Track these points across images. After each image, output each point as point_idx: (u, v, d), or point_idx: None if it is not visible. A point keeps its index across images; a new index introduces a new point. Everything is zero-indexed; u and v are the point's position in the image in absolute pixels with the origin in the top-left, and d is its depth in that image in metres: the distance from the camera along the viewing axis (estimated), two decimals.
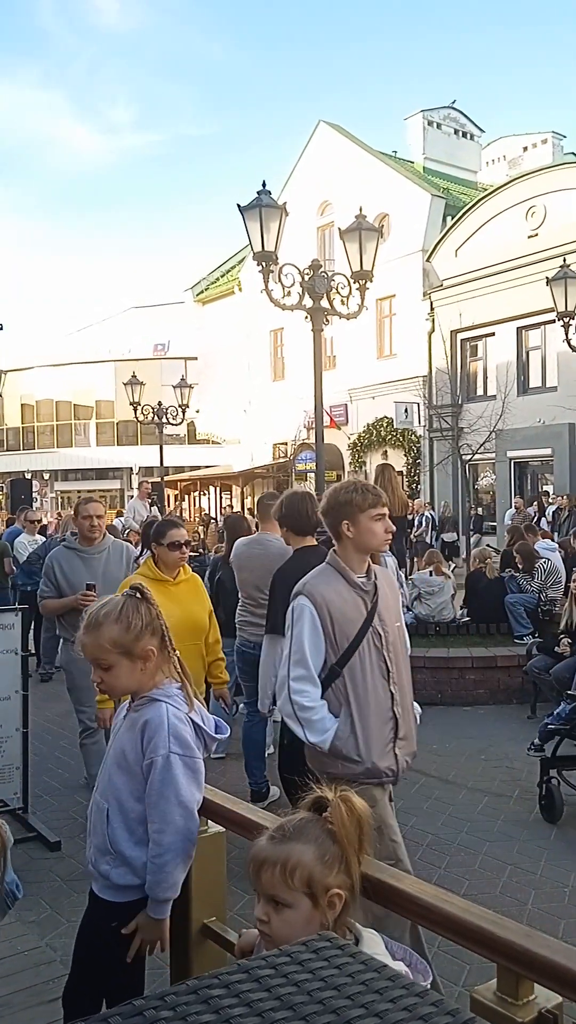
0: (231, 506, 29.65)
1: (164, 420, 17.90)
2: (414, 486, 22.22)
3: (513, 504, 18.76)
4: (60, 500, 38.34)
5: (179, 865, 2.01)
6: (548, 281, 11.28)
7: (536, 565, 8.66)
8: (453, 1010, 0.62)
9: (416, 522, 18.03)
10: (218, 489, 32.25)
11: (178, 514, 25.83)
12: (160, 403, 18.10)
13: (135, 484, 29.25)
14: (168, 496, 27.11)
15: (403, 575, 8.47)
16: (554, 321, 12.28)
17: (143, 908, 2.07)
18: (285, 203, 8.24)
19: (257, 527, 6.00)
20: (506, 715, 7.28)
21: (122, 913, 2.07)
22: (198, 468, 32.10)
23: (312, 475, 18.24)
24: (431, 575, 8.82)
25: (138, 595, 2.14)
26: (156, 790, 2.02)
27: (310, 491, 5.55)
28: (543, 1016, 1.34)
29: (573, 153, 25.68)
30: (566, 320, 10.99)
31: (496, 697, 7.68)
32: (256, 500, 6.36)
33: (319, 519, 3.88)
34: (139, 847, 2.06)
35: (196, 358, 32.76)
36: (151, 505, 14.93)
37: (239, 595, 5.57)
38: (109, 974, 2.10)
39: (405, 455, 23.12)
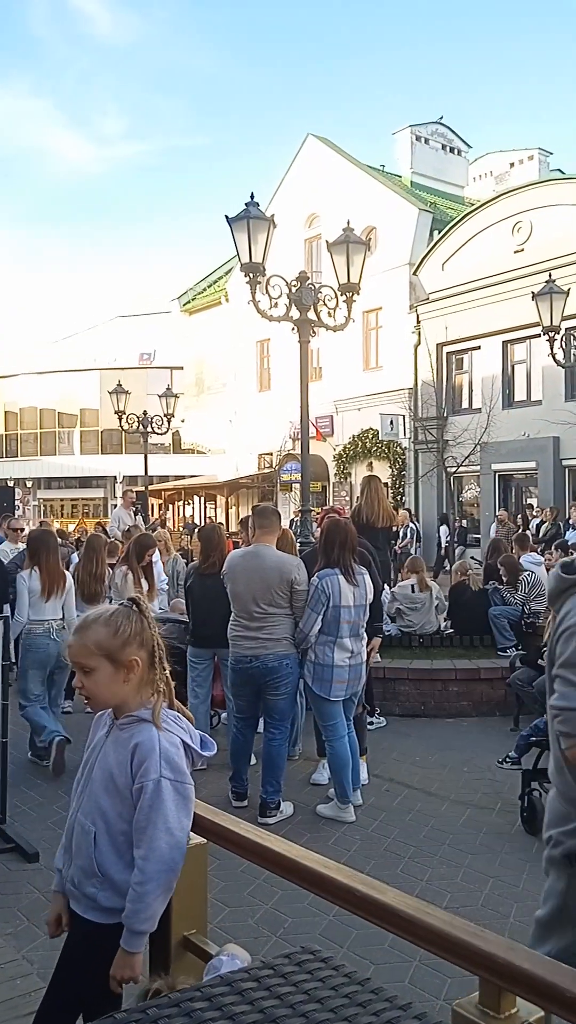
0: (212, 518, 29.63)
1: (149, 429, 17.87)
2: (399, 498, 22.28)
3: (497, 517, 18.85)
4: (43, 508, 38.16)
5: (159, 896, 1.96)
6: (534, 296, 11.37)
7: (520, 578, 8.69)
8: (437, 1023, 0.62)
9: (401, 534, 18.06)
10: (203, 499, 32.22)
11: (161, 523, 25.79)
12: (145, 412, 18.08)
13: (119, 493, 29.25)
14: (152, 505, 27.07)
15: (387, 587, 8.49)
16: (539, 335, 12.37)
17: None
18: (273, 215, 8.27)
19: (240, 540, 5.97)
20: (489, 727, 7.29)
21: (109, 934, 2.03)
22: (183, 477, 32.07)
23: (297, 486, 18.26)
24: (414, 590, 8.73)
25: (134, 606, 2.11)
26: (144, 815, 1.97)
27: None
28: None
29: (559, 170, 26.02)
30: (551, 335, 11.08)
31: (479, 709, 7.68)
32: (251, 509, 6.34)
33: None
34: (129, 869, 2.00)
35: (182, 368, 32.77)
36: (135, 514, 14.88)
37: (215, 604, 5.53)
38: (87, 992, 2.06)
39: (390, 467, 23.19)
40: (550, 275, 11.89)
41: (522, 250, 20.04)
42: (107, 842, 2.03)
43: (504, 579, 8.85)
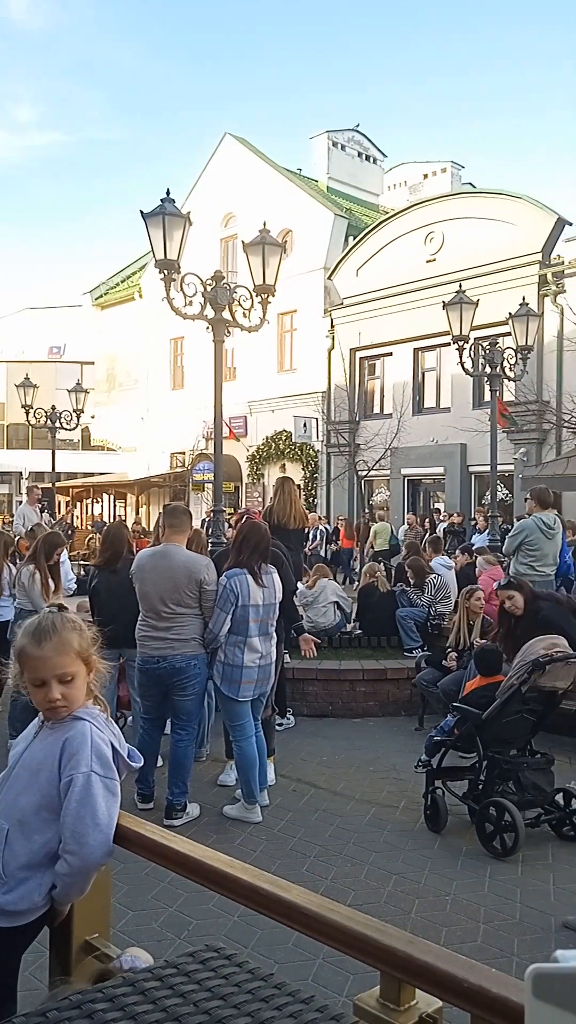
0: (122, 516, 29.23)
1: (57, 424, 17.49)
2: (311, 500, 22.48)
3: (405, 520, 19.22)
4: None
5: (86, 885, 1.97)
6: (444, 305, 11.62)
7: (427, 580, 8.89)
8: (337, 1015, 0.63)
9: (311, 535, 18.23)
10: (112, 497, 31.74)
11: (69, 521, 25.25)
12: (54, 407, 17.68)
13: (24, 489, 28.51)
14: (59, 503, 26.52)
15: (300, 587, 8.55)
16: (449, 344, 12.67)
17: (31, 932, 2.00)
18: (189, 212, 8.22)
19: (158, 538, 5.89)
20: (395, 727, 7.42)
21: (9, 938, 1.98)
22: (92, 475, 31.49)
23: (210, 486, 18.18)
24: (307, 587, 8.93)
25: (60, 611, 2.09)
26: (73, 810, 1.93)
27: None
28: (424, 1020, 1.36)
29: (471, 183, 26.74)
30: (460, 344, 11.35)
31: (385, 709, 7.82)
32: (162, 509, 6.28)
33: None
34: (37, 870, 1.96)
35: (93, 363, 32.22)
36: (41, 511, 14.55)
37: (125, 604, 5.45)
38: None
39: (303, 469, 23.38)
40: (460, 285, 12.18)
41: (434, 260, 20.51)
42: (21, 841, 1.98)
43: (411, 581, 9.03)
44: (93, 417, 29.33)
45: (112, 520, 28.16)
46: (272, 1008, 0.61)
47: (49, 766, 1.99)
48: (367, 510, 20.63)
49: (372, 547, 17.87)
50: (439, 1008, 1.38)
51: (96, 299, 31.98)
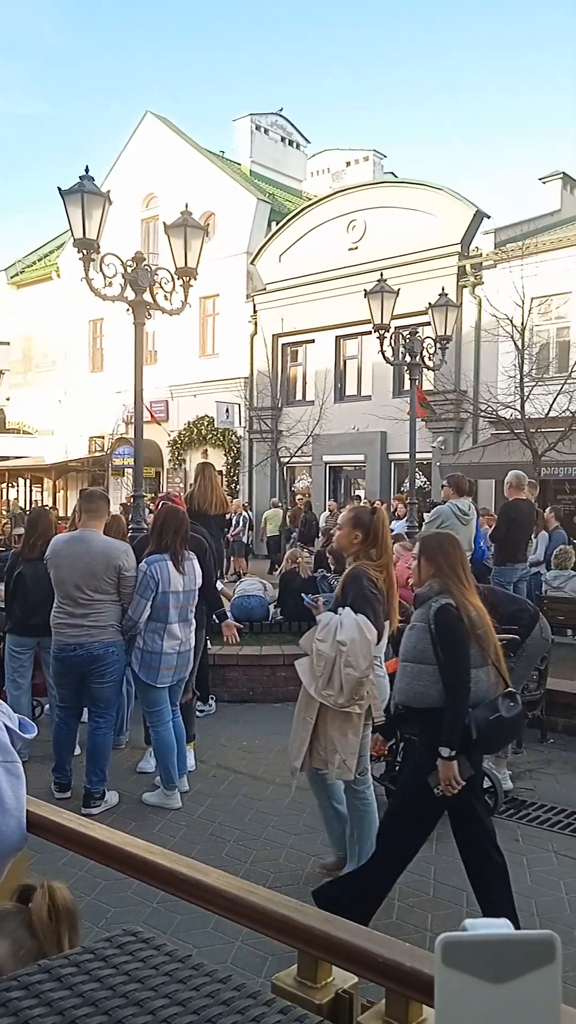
0: (39, 501, 28.61)
1: None
2: (233, 486, 22.43)
3: (327, 507, 19.38)
4: None
5: (1, 874, 1.90)
6: (366, 294, 11.72)
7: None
8: (254, 993, 0.64)
9: (234, 522, 18.21)
10: (28, 481, 31.02)
11: None
12: None
13: None
14: None
15: (220, 574, 8.53)
16: (370, 333, 12.78)
17: None
18: (109, 191, 8.05)
19: (74, 523, 5.78)
20: None
21: None
22: (7, 459, 30.68)
23: (130, 471, 17.95)
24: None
25: None
26: None
27: None
28: (340, 996, 1.39)
29: (392, 173, 26.98)
30: (381, 333, 11.46)
31: None
32: (79, 494, 6.16)
33: None
34: None
35: (8, 343, 31.35)
36: None
37: (50, 593, 5.35)
38: None
39: (225, 455, 23.30)
40: (382, 274, 12.28)
41: (356, 248, 20.64)
42: None
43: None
44: (8, 399, 28.62)
45: (29, 505, 27.54)
46: (190, 988, 0.62)
47: None
48: (300, 496, 20.74)
49: (265, 533, 17.99)
50: (355, 984, 1.41)
51: (11, 277, 31.10)
